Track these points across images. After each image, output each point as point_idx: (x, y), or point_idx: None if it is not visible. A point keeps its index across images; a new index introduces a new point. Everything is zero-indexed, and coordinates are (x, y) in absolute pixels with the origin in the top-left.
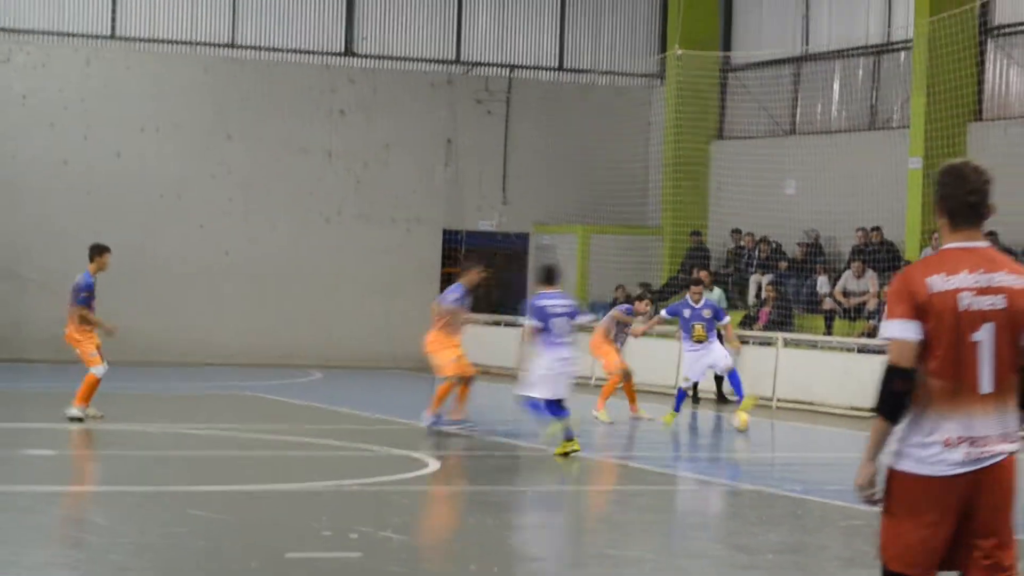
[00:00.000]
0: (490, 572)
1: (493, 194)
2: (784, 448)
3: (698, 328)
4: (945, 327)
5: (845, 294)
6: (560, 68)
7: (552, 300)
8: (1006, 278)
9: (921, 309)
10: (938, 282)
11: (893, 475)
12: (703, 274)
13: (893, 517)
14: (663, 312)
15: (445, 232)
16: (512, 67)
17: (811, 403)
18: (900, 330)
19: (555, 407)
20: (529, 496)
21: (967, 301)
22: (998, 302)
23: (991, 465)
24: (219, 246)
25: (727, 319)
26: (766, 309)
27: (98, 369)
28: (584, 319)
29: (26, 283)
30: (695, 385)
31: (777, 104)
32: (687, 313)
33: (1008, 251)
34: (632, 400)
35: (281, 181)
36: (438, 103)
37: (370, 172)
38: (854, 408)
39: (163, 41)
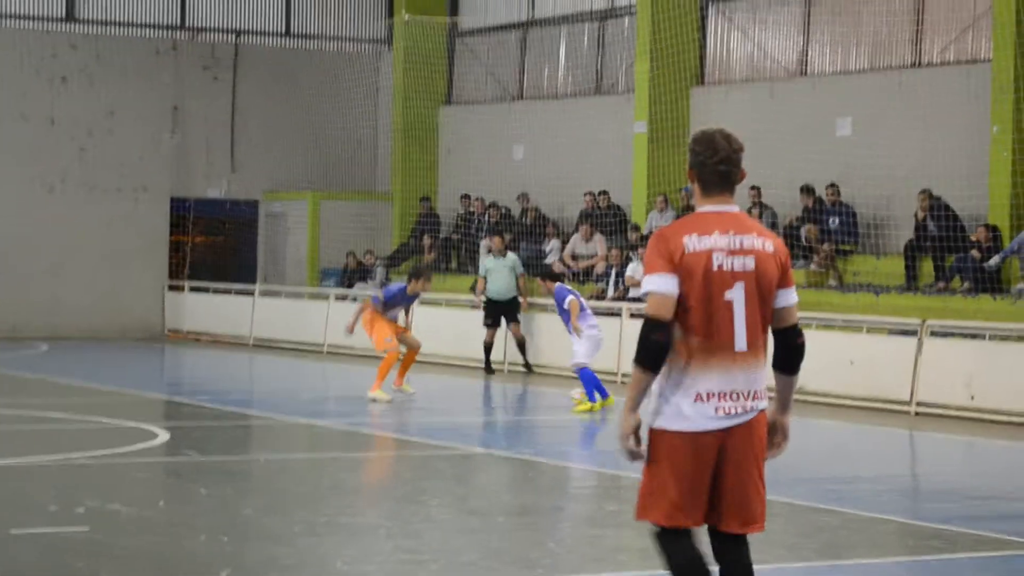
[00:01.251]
0: (220, 543)
1: (221, 162)
2: (515, 412)
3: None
4: (699, 285)
5: (574, 257)
6: (288, 34)
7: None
8: (755, 240)
9: (677, 267)
10: (692, 242)
11: (652, 433)
12: (496, 240)
13: (654, 473)
14: None
15: (173, 200)
16: (239, 33)
17: (543, 365)
18: (658, 284)
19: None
20: (262, 465)
21: (719, 261)
22: (748, 263)
23: (744, 422)
24: None
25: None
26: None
27: None
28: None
29: None
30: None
31: (505, 70)
32: None
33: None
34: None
35: (1, 150)
36: (163, 69)
37: (94, 140)
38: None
39: None
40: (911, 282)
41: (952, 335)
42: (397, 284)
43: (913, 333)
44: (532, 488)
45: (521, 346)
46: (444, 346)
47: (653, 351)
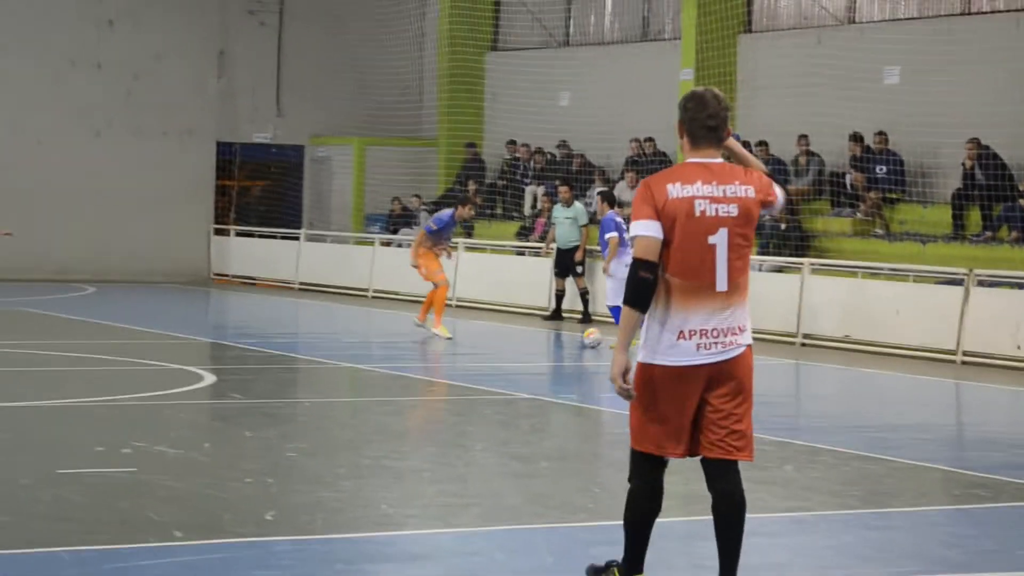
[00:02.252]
0: (264, 485)
1: (267, 106)
2: (562, 359)
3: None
4: (682, 230)
5: (620, 204)
6: None
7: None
8: (738, 188)
9: (661, 212)
10: (676, 190)
11: (639, 367)
12: (562, 190)
13: (640, 404)
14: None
15: (219, 145)
16: None
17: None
18: (645, 228)
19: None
20: (306, 408)
21: (702, 207)
22: (731, 210)
23: (728, 358)
24: None
25: None
26: (541, 219)
27: None
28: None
29: None
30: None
31: (551, 16)
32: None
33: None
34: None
35: (49, 94)
36: (210, 13)
37: (141, 84)
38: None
39: None
40: (958, 231)
41: (999, 284)
42: (447, 211)
43: (960, 283)
44: (576, 434)
45: (583, 296)
46: (489, 292)
47: (641, 290)
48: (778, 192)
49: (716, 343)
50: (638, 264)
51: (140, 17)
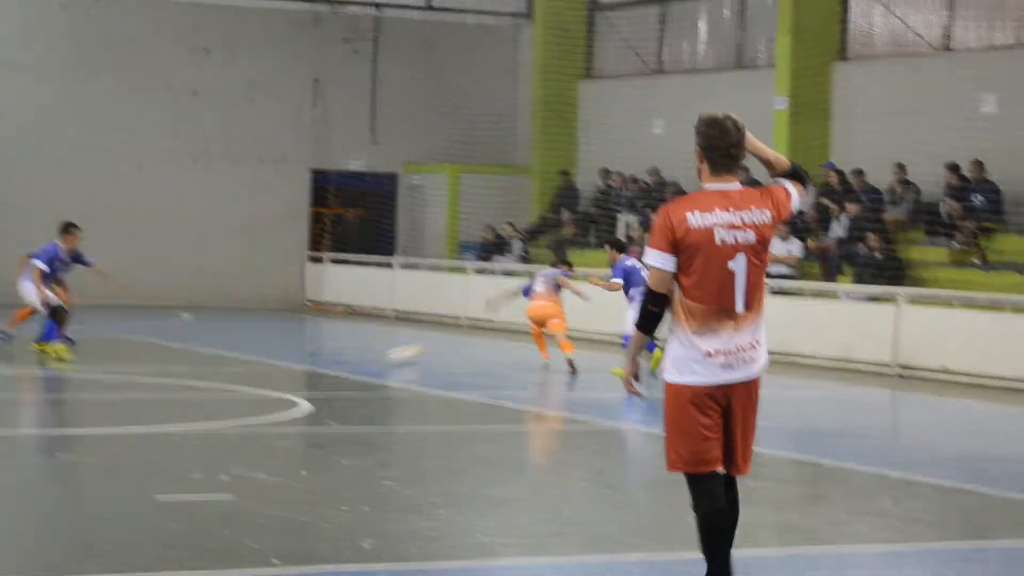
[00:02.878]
0: (361, 513)
1: (361, 134)
2: (653, 388)
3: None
4: (703, 257)
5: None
6: (428, 7)
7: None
8: (755, 214)
9: (680, 242)
10: (695, 218)
11: (669, 388)
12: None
13: (673, 424)
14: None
15: (313, 172)
16: (379, 5)
17: None
18: (658, 260)
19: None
20: (402, 436)
21: (721, 235)
22: (749, 236)
23: (746, 378)
24: (84, 186)
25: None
26: (635, 248)
27: None
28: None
29: None
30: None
31: (644, 44)
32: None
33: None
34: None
35: (146, 120)
36: (305, 42)
37: (237, 111)
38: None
39: None
40: None
41: None
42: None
43: None
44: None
45: None
46: (583, 321)
47: (650, 319)
48: (793, 197)
49: (738, 361)
50: (650, 296)
51: (237, 45)
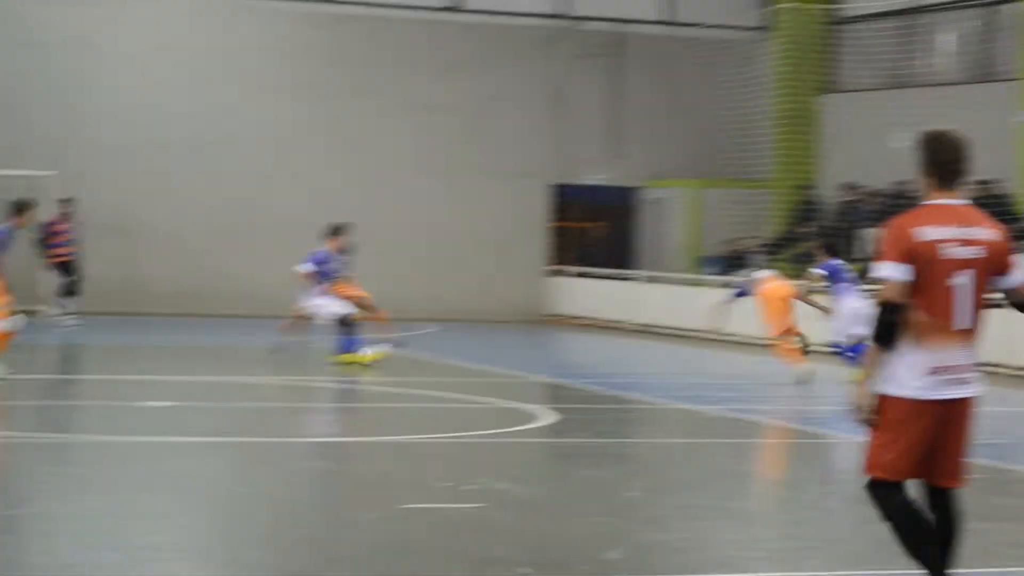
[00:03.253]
0: (607, 524)
1: (602, 149)
2: None
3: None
4: (929, 272)
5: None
6: (667, 22)
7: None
8: (983, 232)
9: (910, 254)
10: (924, 232)
11: (882, 398)
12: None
13: (880, 433)
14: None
15: (554, 187)
16: (621, 21)
17: None
18: (892, 271)
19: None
20: (646, 448)
21: (949, 250)
22: (976, 252)
23: (964, 396)
24: (332, 202)
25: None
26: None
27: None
28: None
29: (139, 240)
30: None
31: (886, 57)
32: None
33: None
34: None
35: (389, 136)
36: (546, 58)
37: (478, 127)
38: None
39: None
40: None
41: None
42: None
43: None
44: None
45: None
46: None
47: (887, 331)
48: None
49: (958, 379)
50: (886, 307)
51: (478, 62)
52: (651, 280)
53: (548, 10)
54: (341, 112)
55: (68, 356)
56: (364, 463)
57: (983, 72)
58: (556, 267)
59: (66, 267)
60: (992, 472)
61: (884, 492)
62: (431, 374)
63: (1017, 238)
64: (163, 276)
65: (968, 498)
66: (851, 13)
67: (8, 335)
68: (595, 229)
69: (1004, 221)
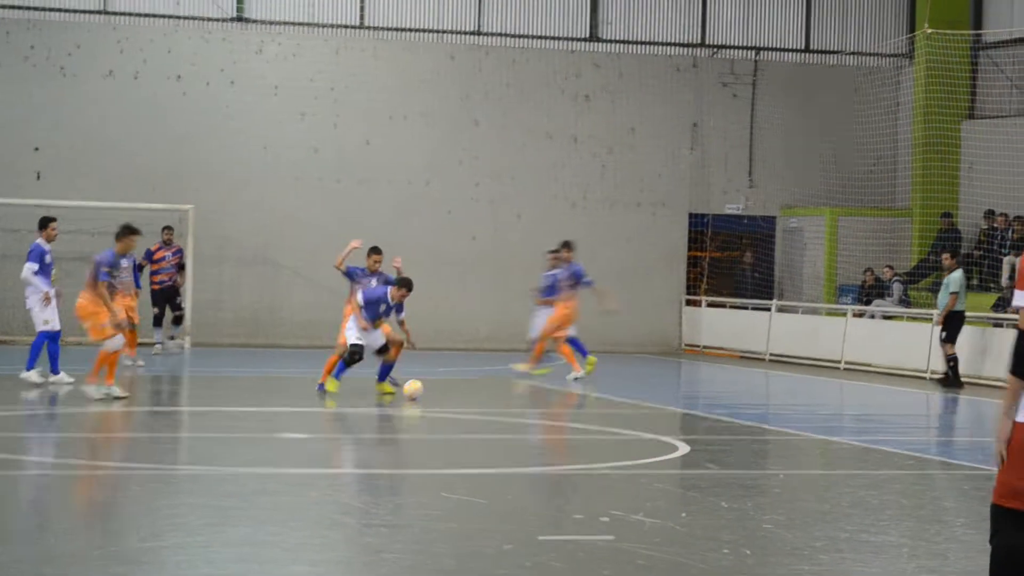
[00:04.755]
0: (742, 556)
1: (739, 177)
2: None
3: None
4: None
5: None
6: (807, 49)
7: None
8: None
9: None
10: None
11: (1016, 426)
12: (944, 256)
13: (1012, 461)
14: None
15: (691, 216)
16: (758, 49)
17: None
18: None
19: None
20: (781, 480)
21: None
22: None
23: None
24: (466, 232)
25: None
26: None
27: (112, 343)
28: None
29: (279, 269)
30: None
31: None
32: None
33: None
34: None
35: (527, 167)
36: (683, 87)
37: (615, 156)
38: None
39: (410, 30)
40: None
41: None
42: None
43: None
44: None
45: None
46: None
47: None
48: None
49: None
50: (1022, 337)
51: (616, 92)
52: (784, 309)
53: (686, 39)
54: (478, 142)
55: (202, 387)
56: (501, 494)
57: None
58: (694, 297)
59: (164, 294)
60: None
61: (999, 521)
62: (565, 405)
63: None
64: (300, 305)
65: None
66: (993, 39)
67: (113, 355)
68: (733, 258)
69: None
